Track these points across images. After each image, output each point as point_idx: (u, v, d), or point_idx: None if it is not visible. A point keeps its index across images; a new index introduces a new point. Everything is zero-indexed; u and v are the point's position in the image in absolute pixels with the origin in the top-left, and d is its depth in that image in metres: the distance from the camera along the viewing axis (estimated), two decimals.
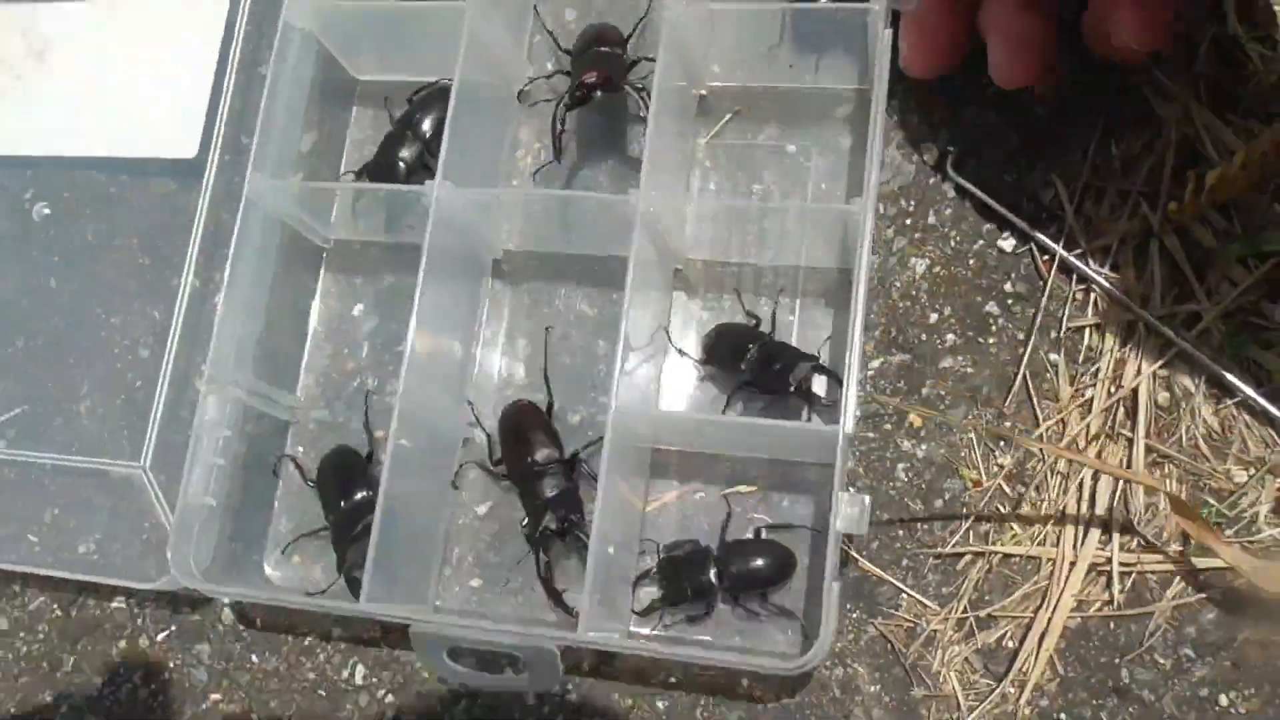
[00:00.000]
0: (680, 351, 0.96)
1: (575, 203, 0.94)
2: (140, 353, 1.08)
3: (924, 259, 0.99)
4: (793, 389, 0.90)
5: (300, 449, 1.03)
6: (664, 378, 0.97)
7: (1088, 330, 0.96)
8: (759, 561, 0.89)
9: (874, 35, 0.88)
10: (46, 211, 1.13)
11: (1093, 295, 0.96)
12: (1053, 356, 0.95)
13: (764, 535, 0.92)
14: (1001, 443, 0.94)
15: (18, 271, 1.12)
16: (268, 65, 0.99)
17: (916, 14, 0.90)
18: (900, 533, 0.94)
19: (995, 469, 0.94)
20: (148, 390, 1.03)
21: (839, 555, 0.81)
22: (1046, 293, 0.97)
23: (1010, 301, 0.98)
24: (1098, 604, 0.90)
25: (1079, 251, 0.96)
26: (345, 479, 0.97)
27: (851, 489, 0.85)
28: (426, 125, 1.01)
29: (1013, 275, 0.98)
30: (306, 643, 1.00)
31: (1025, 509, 0.93)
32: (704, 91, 1.01)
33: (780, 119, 0.99)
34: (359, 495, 0.95)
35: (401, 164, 1.01)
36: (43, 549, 1.04)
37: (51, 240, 1.12)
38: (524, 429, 0.95)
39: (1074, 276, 0.97)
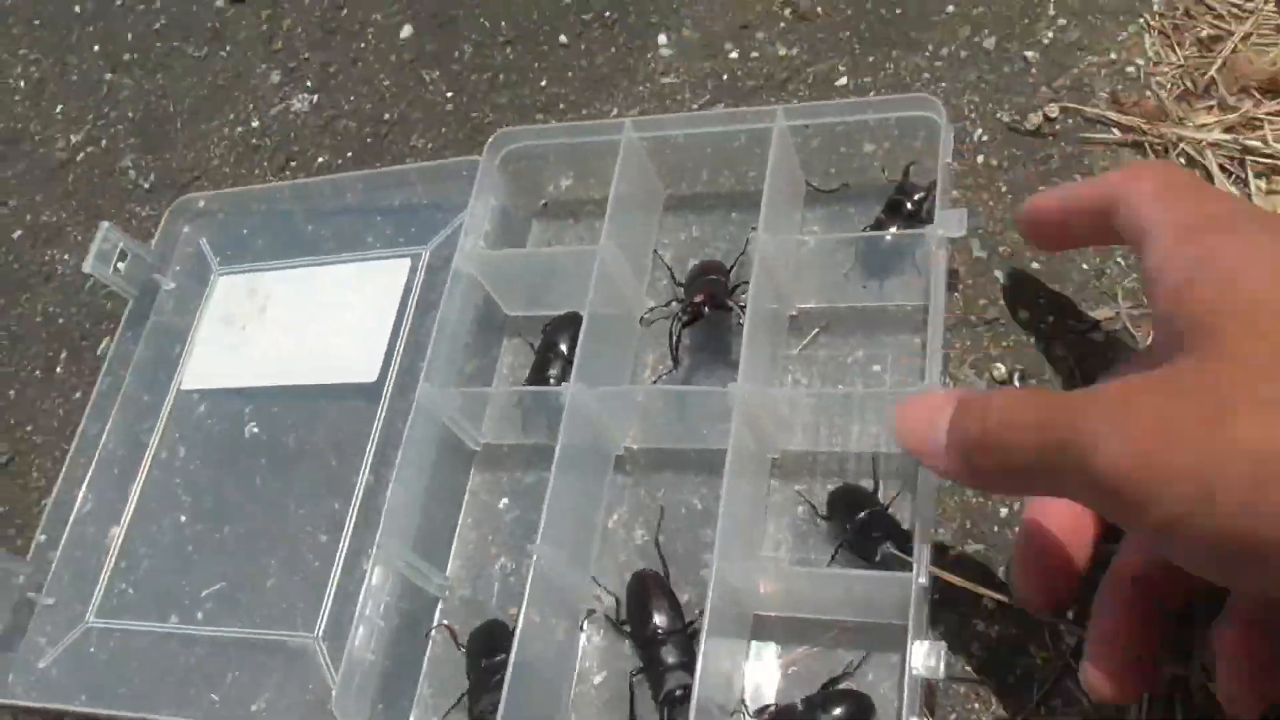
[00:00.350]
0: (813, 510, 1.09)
1: (682, 396, 1.11)
2: (320, 538, 1.26)
3: None
4: (877, 559, 1.02)
5: (446, 622, 1.17)
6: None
7: None
8: (838, 711, 0.98)
9: (930, 255, 1.06)
10: (256, 430, 1.36)
11: None
12: None
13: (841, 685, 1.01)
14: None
15: (232, 475, 1.35)
16: (439, 303, 1.22)
17: (1099, 634, 0.85)
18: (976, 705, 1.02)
19: (1065, 647, 1.02)
20: (324, 570, 1.21)
21: (916, 697, 0.91)
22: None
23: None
24: None
25: None
26: (490, 644, 1.11)
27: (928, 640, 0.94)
28: (563, 345, 1.21)
29: None
30: None
31: None
32: (794, 312, 1.20)
33: (862, 333, 1.16)
34: (499, 657, 1.08)
35: (551, 379, 1.20)
36: (222, 705, 1.20)
37: (260, 448, 1.35)
38: (648, 594, 1.08)
39: None
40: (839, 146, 1.22)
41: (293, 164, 1.61)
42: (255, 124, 1.68)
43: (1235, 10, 1.29)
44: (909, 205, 1.18)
